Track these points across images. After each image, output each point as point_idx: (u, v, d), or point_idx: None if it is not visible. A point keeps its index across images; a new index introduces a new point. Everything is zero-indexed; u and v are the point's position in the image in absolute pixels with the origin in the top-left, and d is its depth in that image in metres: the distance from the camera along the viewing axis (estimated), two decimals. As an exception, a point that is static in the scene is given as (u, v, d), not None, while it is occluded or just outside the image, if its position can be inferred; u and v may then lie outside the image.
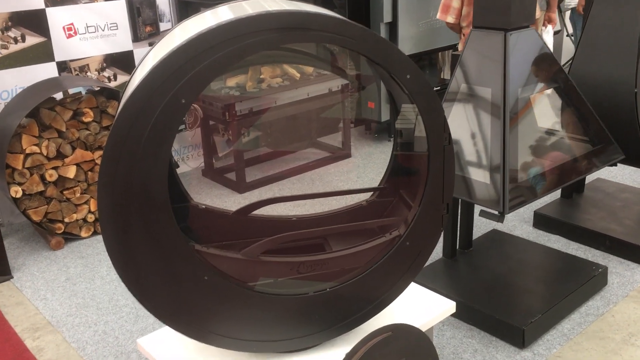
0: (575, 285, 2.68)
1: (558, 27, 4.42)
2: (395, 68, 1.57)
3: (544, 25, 4.16)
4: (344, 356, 1.68)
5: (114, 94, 3.50)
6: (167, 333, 1.91)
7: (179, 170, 4.26)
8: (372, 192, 2.05)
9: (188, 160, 4.55)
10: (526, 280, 2.76)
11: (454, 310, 2.02)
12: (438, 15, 3.85)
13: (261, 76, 4.23)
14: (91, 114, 3.41)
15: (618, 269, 2.98)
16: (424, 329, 1.88)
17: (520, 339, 2.41)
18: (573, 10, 5.07)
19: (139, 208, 1.45)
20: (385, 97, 4.87)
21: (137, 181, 1.43)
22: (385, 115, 4.92)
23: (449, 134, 1.68)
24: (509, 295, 2.64)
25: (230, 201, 3.97)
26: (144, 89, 1.38)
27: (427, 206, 1.73)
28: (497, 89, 2.35)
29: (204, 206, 1.95)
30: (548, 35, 4.21)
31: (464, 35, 3.80)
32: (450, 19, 3.72)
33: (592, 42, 3.08)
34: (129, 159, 1.40)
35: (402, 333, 1.77)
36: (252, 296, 1.65)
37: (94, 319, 2.75)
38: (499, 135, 2.30)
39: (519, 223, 3.47)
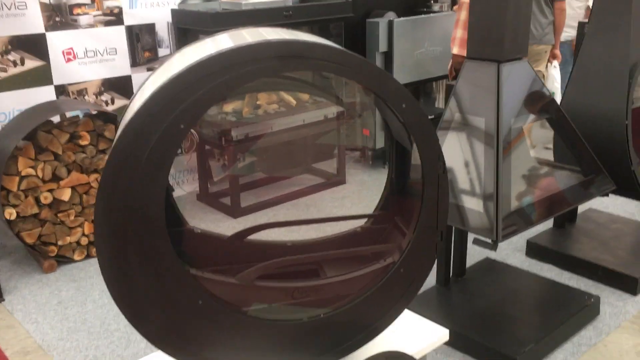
0: (568, 315, 2.68)
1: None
2: (391, 97, 1.59)
3: (549, 61, 4.23)
4: (338, 383, 1.68)
5: (111, 118, 3.52)
6: (159, 359, 1.90)
7: (174, 194, 4.28)
8: (366, 219, 2.07)
9: (183, 185, 4.56)
10: (519, 309, 2.77)
11: (447, 338, 2.03)
12: (456, 50, 3.80)
13: (258, 102, 4.27)
14: (88, 137, 3.43)
15: (610, 299, 2.99)
16: (417, 357, 1.88)
17: (513, 368, 2.41)
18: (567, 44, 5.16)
19: (136, 232, 1.46)
20: (380, 124, 4.92)
21: (135, 205, 1.44)
22: (380, 143, 4.97)
23: (444, 163, 1.70)
24: (502, 324, 2.65)
25: (224, 226, 3.97)
26: (143, 114, 1.40)
27: (421, 233, 1.74)
28: (491, 119, 2.39)
29: (199, 230, 1.96)
30: (556, 71, 4.28)
31: None
32: None
33: (584, 75, 3.14)
34: (127, 182, 1.42)
35: (395, 360, 1.77)
36: (246, 321, 1.65)
37: (85, 343, 2.72)
38: (492, 164, 2.33)
39: (511, 252, 3.49)
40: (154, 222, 1.48)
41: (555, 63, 4.38)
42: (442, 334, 2.02)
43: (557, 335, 2.60)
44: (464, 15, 3.67)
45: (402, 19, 4.70)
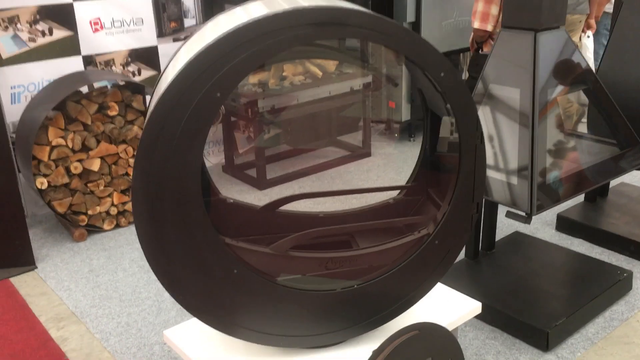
0: (600, 289, 2.65)
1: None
2: (430, 66, 1.56)
3: (583, 31, 4.11)
4: (370, 354, 1.68)
5: (139, 89, 3.52)
6: (192, 325, 1.92)
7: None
8: (399, 191, 2.05)
9: (209, 156, 4.57)
10: (550, 283, 2.74)
11: (479, 310, 2.02)
12: (477, 25, 3.66)
13: (284, 73, 4.23)
14: (116, 107, 3.44)
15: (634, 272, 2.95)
16: (449, 329, 1.87)
17: (544, 342, 2.40)
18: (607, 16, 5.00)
19: (173, 200, 1.46)
20: (406, 96, 4.86)
21: (172, 174, 1.44)
22: (405, 115, 4.91)
23: (482, 133, 1.67)
24: (533, 298, 2.62)
25: (251, 197, 3.98)
26: (180, 83, 1.39)
27: (457, 205, 1.72)
28: (526, 90, 2.33)
29: (232, 200, 1.96)
30: (589, 41, 4.16)
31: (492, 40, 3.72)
32: (490, 27, 3.57)
33: (620, 46, 3.05)
34: (164, 152, 1.41)
35: (428, 332, 1.76)
36: (280, 291, 1.65)
37: (117, 310, 2.77)
38: (527, 136, 2.29)
39: (541, 226, 3.45)
40: (190, 192, 1.48)
41: (589, 33, 4.25)
42: (474, 306, 2.01)
43: (588, 310, 2.57)
44: None
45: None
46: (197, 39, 1.69)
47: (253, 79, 4.26)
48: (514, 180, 2.34)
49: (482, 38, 3.55)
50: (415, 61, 1.54)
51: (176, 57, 1.74)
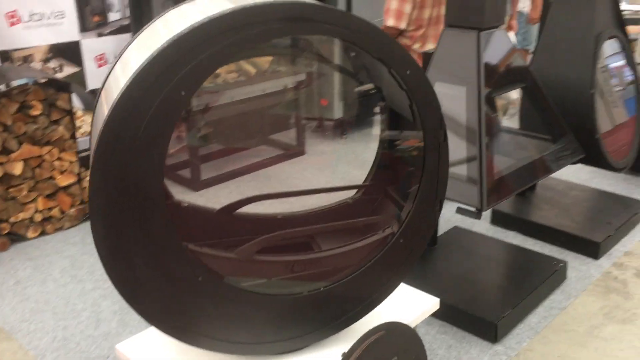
0: (540, 280, 2.75)
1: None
2: (396, 63, 1.54)
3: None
4: (339, 357, 1.65)
5: (63, 86, 3.31)
6: (147, 337, 1.82)
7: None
8: (356, 190, 2.03)
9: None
10: (492, 276, 2.82)
11: (437, 306, 2.03)
12: (392, 22, 3.60)
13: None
14: (39, 107, 3.21)
15: (574, 263, 3.09)
16: (412, 326, 1.87)
17: (493, 334, 2.46)
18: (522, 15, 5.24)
19: (134, 208, 1.37)
20: (339, 94, 4.87)
21: (133, 178, 1.35)
22: (338, 113, 4.92)
23: (445, 131, 1.67)
24: (479, 291, 2.69)
25: (187, 199, 3.84)
26: (141, 80, 1.29)
27: (421, 203, 1.72)
28: (472, 87, 2.38)
29: (186, 204, 1.86)
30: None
31: (409, 37, 3.73)
32: (404, 24, 3.58)
33: (550, 45, 3.18)
34: (124, 156, 1.32)
35: (394, 332, 1.75)
36: (246, 297, 1.59)
37: (51, 324, 2.58)
38: (475, 132, 2.33)
39: (477, 220, 3.54)
40: (153, 196, 1.39)
41: (511, 34, 4.43)
42: (432, 302, 2.02)
43: (530, 300, 2.67)
44: None
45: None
46: (149, 35, 1.59)
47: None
48: (463, 177, 2.38)
49: (394, 36, 3.59)
50: (382, 58, 1.52)
51: (125, 56, 1.63)
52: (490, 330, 2.46)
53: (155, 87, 1.31)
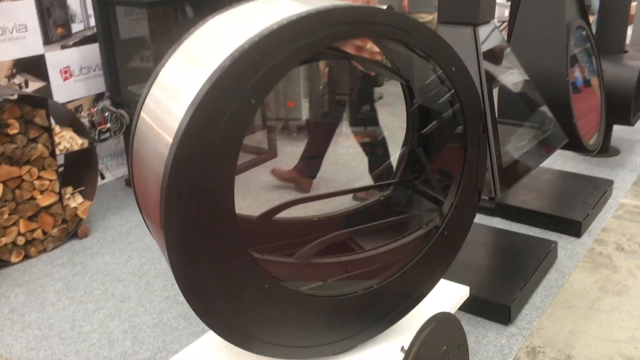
0: (537, 261, 2.88)
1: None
2: (443, 60, 1.59)
3: None
4: (400, 351, 1.69)
5: (40, 102, 3.17)
6: (194, 351, 1.79)
7: (105, 181, 3.98)
8: (386, 187, 2.06)
9: (106, 171, 4.25)
10: (493, 261, 2.92)
11: (468, 295, 2.10)
12: None
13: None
14: (16, 125, 3.07)
15: (560, 243, 3.25)
16: (452, 316, 1.93)
17: (506, 316, 2.56)
18: None
19: (208, 218, 1.35)
20: (305, 94, 4.89)
21: (207, 191, 1.33)
22: (305, 114, 4.94)
23: (485, 123, 1.74)
24: (484, 277, 2.78)
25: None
26: (215, 93, 1.28)
27: (463, 195, 1.78)
28: (475, 81, 2.45)
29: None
30: None
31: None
32: None
33: (523, 37, 3.32)
34: (199, 167, 1.30)
35: (444, 322, 1.81)
36: (307, 300, 1.60)
37: (61, 349, 2.48)
38: (490, 122, 2.42)
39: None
40: (225, 206, 1.38)
41: None
42: (463, 291, 2.09)
43: (532, 281, 2.79)
44: None
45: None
46: (197, 46, 1.56)
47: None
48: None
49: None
50: (431, 56, 1.56)
51: (163, 77, 1.57)
52: (503, 313, 2.56)
53: (228, 98, 1.30)
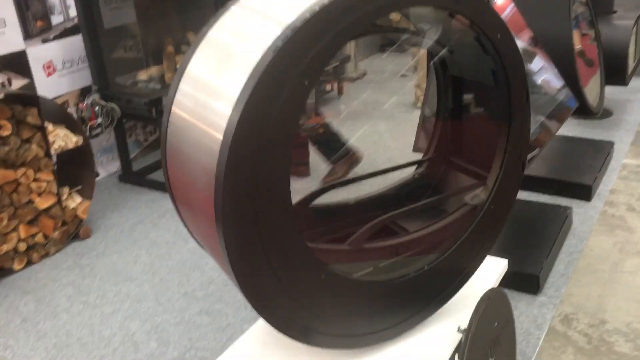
0: (557, 228, 2.87)
1: None
2: (489, 27, 1.52)
3: None
4: (456, 332, 1.64)
5: (31, 101, 3.01)
6: (239, 351, 1.71)
7: (98, 178, 3.84)
8: (417, 165, 2.00)
9: (105, 166, 4.10)
10: (512, 232, 2.89)
11: (506, 267, 2.06)
12: None
13: (177, 66, 3.90)
14: (8, 126, 2.91)
15: (573, 208, 3.24)
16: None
17: (535, 286, 2.54)
18: None
19: (266, 209, 1.27)
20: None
21: (264, 181, 1.25)
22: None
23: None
24: (507, 248, 2.75)
25: (166, 205, 3.64)
26: (268, 78, 1.19)
27: (508, 167, 1.72)
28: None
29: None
30: None
31: None
32: None
33: (523, 6, 3.26)
34: (255, 157, 1.22)
35: (495, 298, 1.76)
36: (362, 287, 1.53)
37: (84, 357, 2.38)
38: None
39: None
40: (282, 196, 1.29)
41: None
42: (503, 264, 2.05)
43: (555, 249, 2.77)
44: None
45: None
46: (226, 35, 1.45)
47: (143, 75, 3.88)
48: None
49: None
50: (477, 24, 1.49)
51: (197, 62, 1.47)
52: (532, 283, 2.54)
53: (281, 82, 1.22)
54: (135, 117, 3.80)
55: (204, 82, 1.41)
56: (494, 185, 1.72)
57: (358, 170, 3.70)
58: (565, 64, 3.14)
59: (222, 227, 1.25)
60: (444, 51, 1.72)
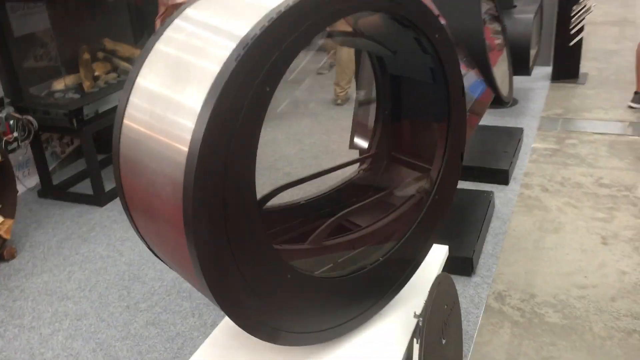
0: (483, 212, 3.05)
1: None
2: (428, 28, 1.62)
3: None
4: (414, 317, 1.73)
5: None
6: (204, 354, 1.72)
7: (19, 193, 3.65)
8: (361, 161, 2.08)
9: (22, 182, 3.90)
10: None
11: (448, 252, 2.19)
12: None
13: (95, 74, 3.78)
14: None
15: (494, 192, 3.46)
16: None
17: (469, 268, 2.70)
18: None
19: (234, 213, 1.30)
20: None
21: (231, 188, 1.28)
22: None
23: (463, 87, 1.79)
24: (439, 233, 2.89)
25: (95, 218, 3.53)
26: (228, 88, 1.21)
27: (449, 158, 1.83)
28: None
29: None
30: None
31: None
32: None
33: (439, 7, 3.43)
34: (221, 166, 1.24)
35: (444, 282, 1.87)
36: (325, 284, 1.59)
37: (28, 382, 2.28)
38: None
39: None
40: (249, 202, 1.32)
41: None
42: (443, 250, 2.17)
43: (483, 231, 2.95)
44: None
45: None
46: (178, 47, 1.45)
47: (59, 85, 3.73)
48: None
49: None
50: (418, 25, 1.58)
51: (147, 75, 1.46)
52: (466, 265, 2.70)
53: (243, 90, 1.24)
54: (54, 129, 3.64)
55: (159, 95, 1.40)
56: (438, 176, 1.82)
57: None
58: (479, 58, 3.34)
59: (192, 235, 1.26)
60: (384, 51, 1.80)
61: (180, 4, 2.79)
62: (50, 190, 3.84)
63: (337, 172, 2.07)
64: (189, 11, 1.52)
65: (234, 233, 1.31)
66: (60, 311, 2.70)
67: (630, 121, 4.41)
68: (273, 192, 1.84)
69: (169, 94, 1.39)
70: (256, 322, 1.46)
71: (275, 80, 1.30)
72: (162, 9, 3.35)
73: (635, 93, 4.66)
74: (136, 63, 1.51)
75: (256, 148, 1.31)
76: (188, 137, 1.24)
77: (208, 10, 1.48)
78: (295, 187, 1.96)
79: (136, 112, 1.45)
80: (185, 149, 1.24)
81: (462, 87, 1.78)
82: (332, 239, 1.69)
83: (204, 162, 1.21)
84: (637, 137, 4.12)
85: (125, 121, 1.48)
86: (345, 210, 1.71)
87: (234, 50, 1.25)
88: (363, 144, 2.16)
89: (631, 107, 4.63)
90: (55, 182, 3.92)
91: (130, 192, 1.53)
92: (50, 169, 4.03)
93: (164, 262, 1.62)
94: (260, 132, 1.32)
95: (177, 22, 1.51)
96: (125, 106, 1.49)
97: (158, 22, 3.39)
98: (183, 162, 1.25)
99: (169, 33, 1.50)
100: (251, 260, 1.37)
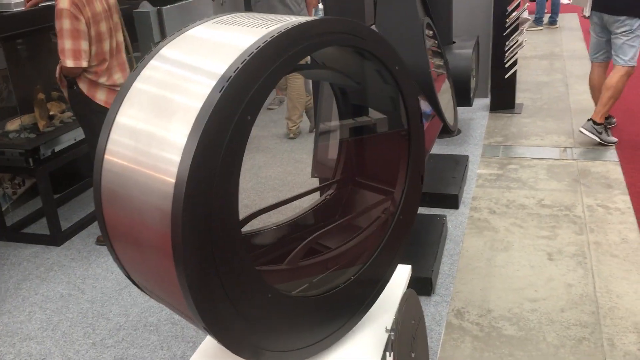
0: (437, 235, 3.21)
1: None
2: (389, 61, 1.76)
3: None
4: (385, 332, 1.83)
5: None
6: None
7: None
8: (328, 187, 2.19)
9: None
10: (399, 243, 3.18)
11: (410, 272, 2.31)
12: (71, 64, 3.14)
13: (50, 113, 3.78)
14: None
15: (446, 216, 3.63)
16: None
17: (429, 287, 2.83)
18: None
19: (219, 239, 1.38)
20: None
21: (217, 214, 1.36)
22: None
23: (421, 115, 1.94)
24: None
25: (52, 258, 3.48)
26: (214, 117, 1.31)
27: (411, 180, 1.97)
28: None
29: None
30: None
31: (94, 73, 3.30)
32: (85, 63, 3.19)
33: (385, 37, 3.64)
34: (207, 190, 1.33)
35: (410, 299, 1.98)
36: (304, 303, 1.67)
37: None
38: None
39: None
40: (232, 225, 1.41)
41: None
42: (406, 269, 2.29)
43: (439, 253, 3.10)
44: (67, 24, 3.09)
45: (169, 6, 4.62)
46: (157, 81, 1.53)
47: (12, 125, 3.71)
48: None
49: (75, 75, 3.26)
50: (380, 58, 1.73)
51: (128, 113, 1.53)
52: (426, 285, 2.83)
53: (227, 120, 1.34)
54: (9, 169, 3.60)
55: (141, 131, 1.47)
56: (401, 197, 1.95)
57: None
58: (426, 90, 3.54)
59: (182, 261, 1.33)
60: (349, 82, 1.94)
61: None
62: (4, 232, 3.77)
63: (306, 197, 2.19)
64: (164, 51, 1.61)
65: (220, 257, 1.39)
66: (24, 352, 2.65)
67: (564, 146, 4.71)
68: (247, 217, 1.92)
69: (150, 129, 1.46)
70: (239, 341, 1.53)
71: (257, 109, 1.40)
72: None
73: (590, 120, 4.66)
74: (115, 101, 1.58)
75: (239, 174, 1.40)
76: (174, 169, 1.32)
77: (181, 50, 1.58)
78: (260, 215, 2.07)
79: (118, 148, 1.51)
80: (172, 180, 1.32)
81: (420, 114, 1.93)
82: (307, 260, 1.77)
83: (191, 191, 1.29)
84: (572, 161, 4.41)
85: (107, 156, 1.54)
86: (317, 233, 1.81)
87: (218, 83, 1.35)
88: (324, 172, 2.28)
89: (582, 132, 4.72)
90: (9, 223, 3.85)
91: (113, 222, 1.58)
92: (3, 209, 3.96)
93: (142, 290, 1.66)
94: (242, 158, 1.41)
95: (153, 62, 1.60)
96: (106, 143, 1.56)
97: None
98: (170, 192, 1.32)
99: (147, 72, 1.58)
100: (236, 282, 1.44)
